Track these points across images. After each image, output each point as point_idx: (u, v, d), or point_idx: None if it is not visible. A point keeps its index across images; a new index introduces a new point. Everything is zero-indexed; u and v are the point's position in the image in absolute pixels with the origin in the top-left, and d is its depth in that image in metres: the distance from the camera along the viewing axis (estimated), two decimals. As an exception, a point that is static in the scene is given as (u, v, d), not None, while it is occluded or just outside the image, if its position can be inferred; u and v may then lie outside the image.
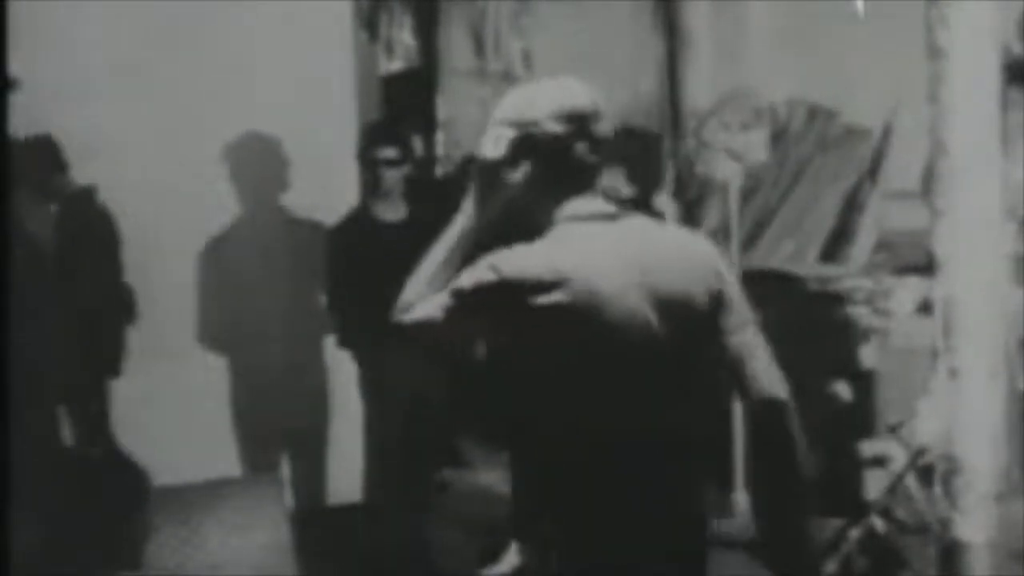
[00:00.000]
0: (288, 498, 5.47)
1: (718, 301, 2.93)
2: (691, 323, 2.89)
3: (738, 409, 5.87)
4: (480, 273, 2.79)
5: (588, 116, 2.92)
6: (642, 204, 5.33)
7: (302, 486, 5.69)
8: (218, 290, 5.59)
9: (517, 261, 2.77)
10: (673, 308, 2.86)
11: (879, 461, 5.26)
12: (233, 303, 5.60)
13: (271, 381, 5.68)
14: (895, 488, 5.01)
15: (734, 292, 2.98)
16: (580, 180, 2.89)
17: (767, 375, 3.04)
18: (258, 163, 5.59)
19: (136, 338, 5.38)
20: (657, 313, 2.84)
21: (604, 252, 2.83)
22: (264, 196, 5.61)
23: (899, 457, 5.16)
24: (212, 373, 5.60)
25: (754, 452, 3.07)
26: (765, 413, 3.01)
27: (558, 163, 2.88)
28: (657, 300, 2.84)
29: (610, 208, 2.90)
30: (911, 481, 5.00)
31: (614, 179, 5.25)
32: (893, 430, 5.24)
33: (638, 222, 2.94)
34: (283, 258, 5.62)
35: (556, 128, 2.88)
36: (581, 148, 2.89)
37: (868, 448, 5.44)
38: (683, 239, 3.04)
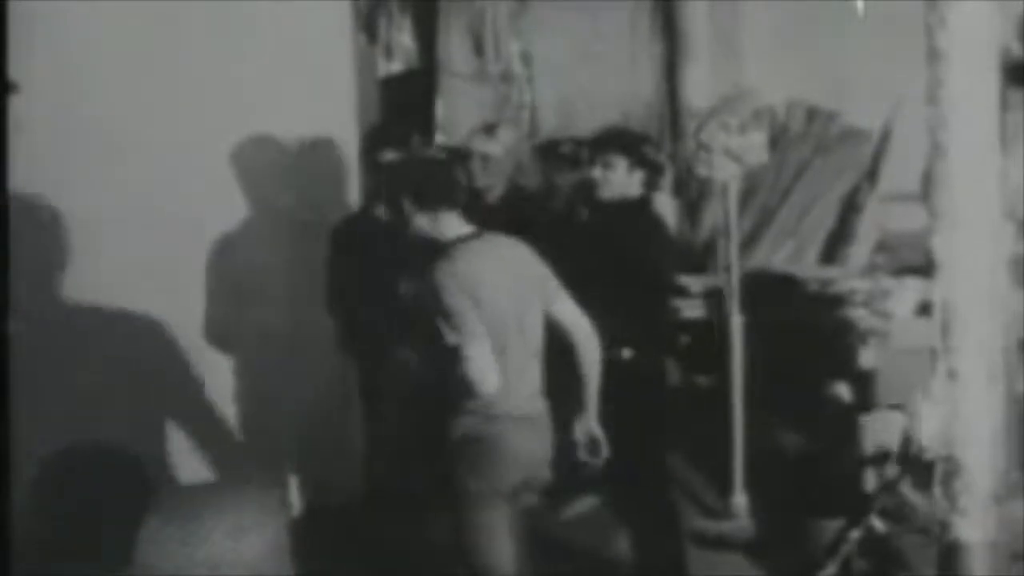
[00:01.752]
0: (293, 499, 5.48)
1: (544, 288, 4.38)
2: (529, 299, 4.29)
3: (736, 413, 5.88)
4: None
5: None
6: (645, 205, 5.31)
7: (308, 487, 5.68)
8: (222, 291, 5.58)
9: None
10: (525, 290, 4.29)
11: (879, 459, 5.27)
12: (237, 303, 5.60)
13: (276, 381, 5.68)
14: (894, 488, 5.02)
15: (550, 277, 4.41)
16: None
17: (585, 329, 4.44)
18: (260, 164, 5.59)
19: (142, 335, 5.38)
20: (516, 296, 4.24)
21: (484, 260, 4.23)
22: (266, 197, 5.61)
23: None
24: (217, 373, 5.60)
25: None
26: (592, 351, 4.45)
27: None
28: (517, 286, 4.26)
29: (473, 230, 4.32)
30: (908, 483, 5.01)
31: (621, 180, 5.24)
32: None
33: (493, 237, 4.34)
34: (286, 259, 5.62)
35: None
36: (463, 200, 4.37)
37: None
38: (517, 248, 4.38)
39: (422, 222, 4.30)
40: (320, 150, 5.63)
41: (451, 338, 4.11)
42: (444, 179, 4.38)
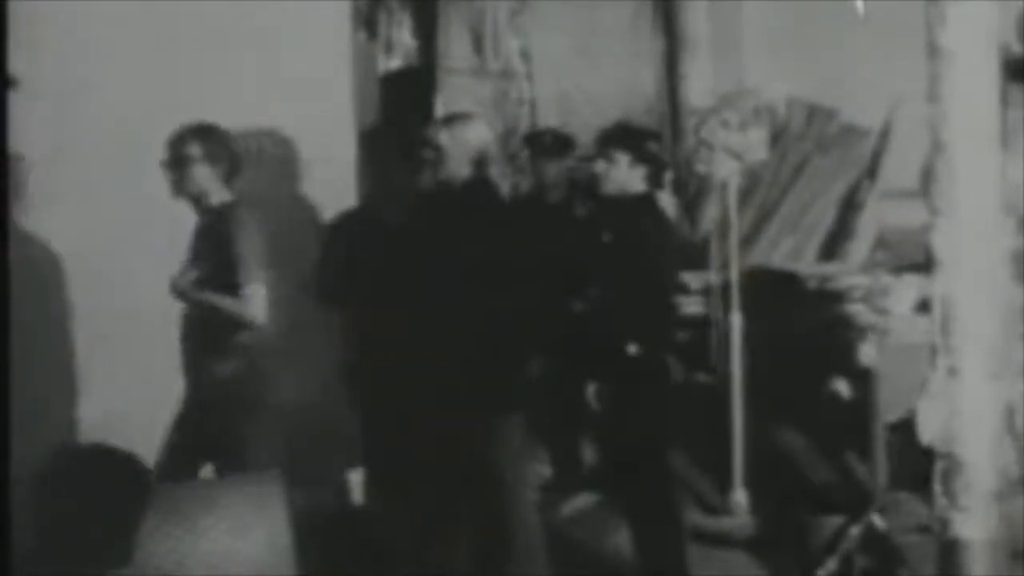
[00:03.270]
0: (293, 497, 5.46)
1: None
2: None
3: (736, 410, 5.88)
4: None
5: None
6: (650, 202, 5.30)
7: (307, 487, 5.66)
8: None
9: None
10: None
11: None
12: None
13: (275, 381, 5.67)
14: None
15: None
16: None
17: None
18: (260, 161, 5.59)
19: (140, 336, 5.38)
20: None
21: None
22: (265, 194, 5.61)
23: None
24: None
25: None
26: None
27: None
28: None
29: None
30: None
31: (623, 175, 5.23)
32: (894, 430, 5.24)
33: None
34: (286, 257, 5.62)
35: None
36: None
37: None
38: None
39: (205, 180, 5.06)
40: (318, 146, 5.63)
41: (240, 276, 4.96)
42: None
